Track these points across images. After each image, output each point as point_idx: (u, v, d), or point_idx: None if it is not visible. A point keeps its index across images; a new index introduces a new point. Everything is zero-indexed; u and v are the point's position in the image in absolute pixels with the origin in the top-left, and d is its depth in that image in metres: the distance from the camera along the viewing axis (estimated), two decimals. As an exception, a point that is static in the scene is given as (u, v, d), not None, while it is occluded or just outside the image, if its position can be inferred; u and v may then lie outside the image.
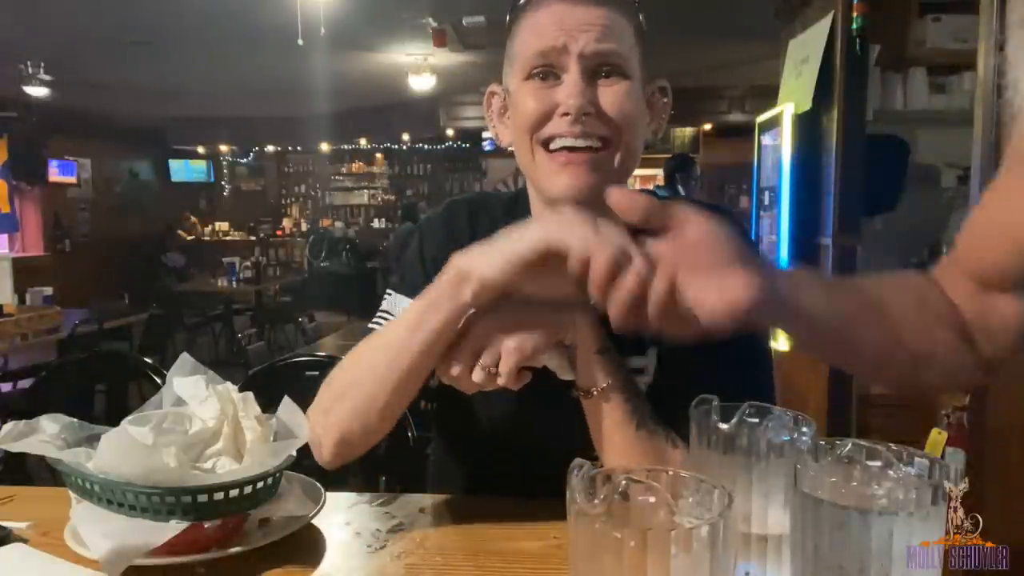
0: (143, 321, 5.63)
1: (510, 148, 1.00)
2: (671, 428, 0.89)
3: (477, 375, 0.83)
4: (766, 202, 3.73)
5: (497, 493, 1.01)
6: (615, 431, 0.87)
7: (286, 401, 0.93)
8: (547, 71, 0.92)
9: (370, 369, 0.90)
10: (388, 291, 1.09)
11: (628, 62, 0.93)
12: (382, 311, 1.06)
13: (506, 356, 0.82)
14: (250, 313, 7.89)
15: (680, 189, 5.10)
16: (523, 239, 0.75)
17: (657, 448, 0.87)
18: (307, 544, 0.89)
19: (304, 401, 0.95)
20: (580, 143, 0.91)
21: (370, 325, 1.05)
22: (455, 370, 0.84)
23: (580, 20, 0.90)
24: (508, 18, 0.99)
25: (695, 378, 0.83)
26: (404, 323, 0.86)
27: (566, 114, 0.90)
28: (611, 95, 0.91)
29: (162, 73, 7.40)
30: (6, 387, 4.04)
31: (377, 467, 1.46)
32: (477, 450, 1.10)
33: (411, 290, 0.99)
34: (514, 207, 1.09)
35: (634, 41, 0.94)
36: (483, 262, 0.78)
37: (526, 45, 0.93)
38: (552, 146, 0.92)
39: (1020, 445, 1.98)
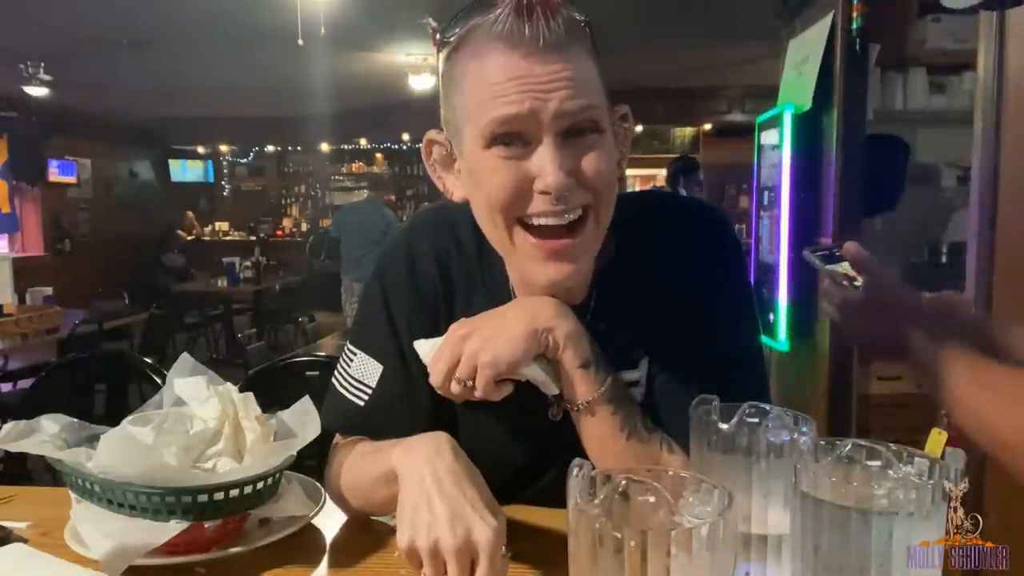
0: (143, 321, 5.63)
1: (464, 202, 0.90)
2: (669, 436, 0.88)
3: (454, 387, 0.83)
4: (766, 202, 3.73)
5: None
6: (605, 442, 0.87)
7: (304, 400, 0.95)
8: (512, 137, 0.79)
9: (361, 480, 0.93)
10: (352, 348, 0.99)
11: (601, 113, 0.81)
12: (353, 378, 0.97)
13: (481, 370, 0.82)
14: (250, 313, 7.89)
15: (682, 191, 5.07)
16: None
17: (651, 456, 0.87)
18: (307, 544, 0.89)
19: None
20: (563, 220, 0.81)
21: (339, 389, 0.98)
22: (435, 380, 0.85)
23: (543, 78, 0.76)
24: (439, 55, 0.85)
25: (688, 387, 0.82)
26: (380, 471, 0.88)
27: (545, 192, 0.79)
28: (590, 160, 0.80)
29: (162, 73, 7.39)
30: (6, 387, 4.05)
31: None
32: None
33: (379, 356, 0.95)
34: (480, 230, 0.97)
35: (599, 81, 0.81)
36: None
37: (481, 107, 0.79)
38: (530, 221, 0.82)
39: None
